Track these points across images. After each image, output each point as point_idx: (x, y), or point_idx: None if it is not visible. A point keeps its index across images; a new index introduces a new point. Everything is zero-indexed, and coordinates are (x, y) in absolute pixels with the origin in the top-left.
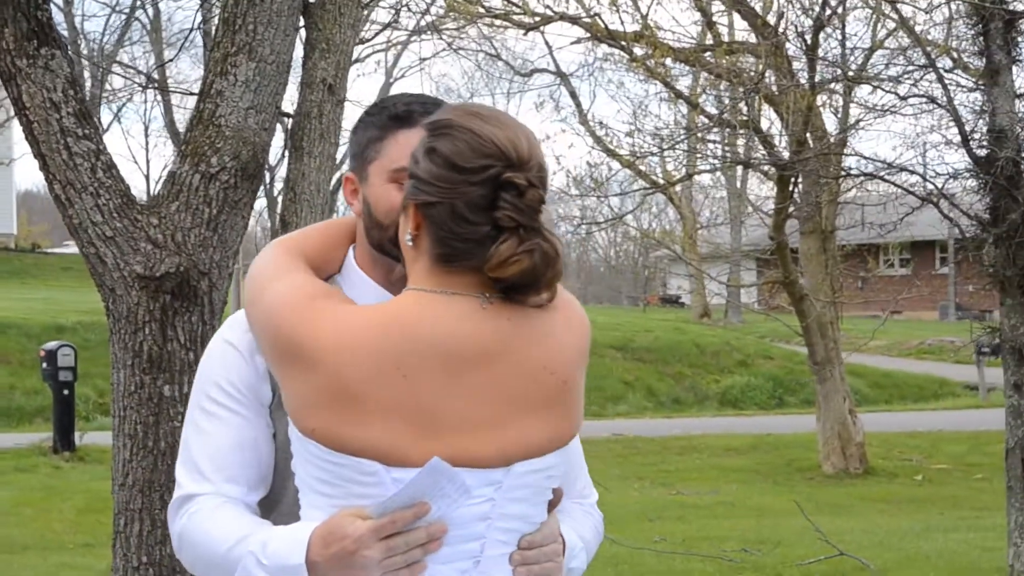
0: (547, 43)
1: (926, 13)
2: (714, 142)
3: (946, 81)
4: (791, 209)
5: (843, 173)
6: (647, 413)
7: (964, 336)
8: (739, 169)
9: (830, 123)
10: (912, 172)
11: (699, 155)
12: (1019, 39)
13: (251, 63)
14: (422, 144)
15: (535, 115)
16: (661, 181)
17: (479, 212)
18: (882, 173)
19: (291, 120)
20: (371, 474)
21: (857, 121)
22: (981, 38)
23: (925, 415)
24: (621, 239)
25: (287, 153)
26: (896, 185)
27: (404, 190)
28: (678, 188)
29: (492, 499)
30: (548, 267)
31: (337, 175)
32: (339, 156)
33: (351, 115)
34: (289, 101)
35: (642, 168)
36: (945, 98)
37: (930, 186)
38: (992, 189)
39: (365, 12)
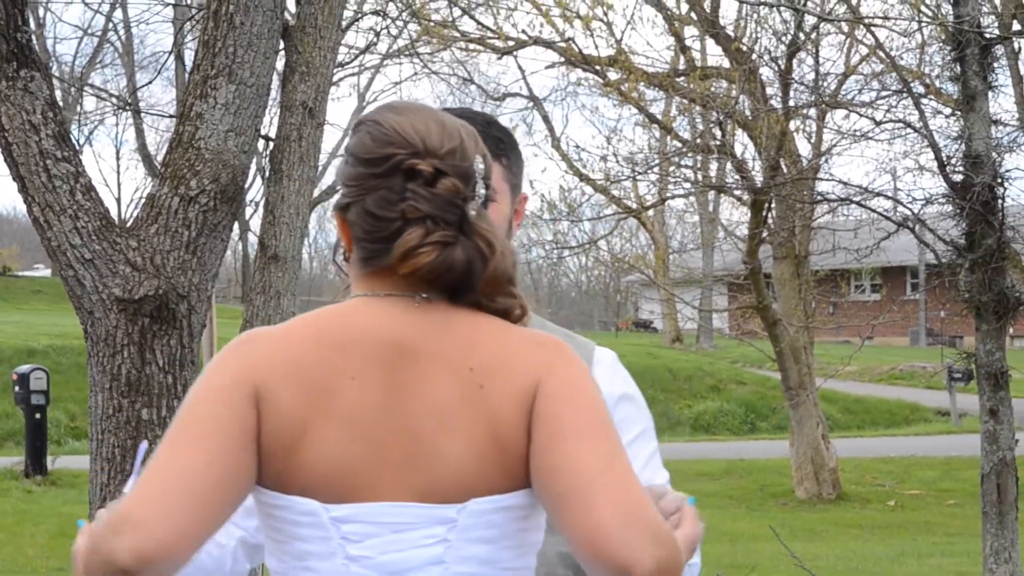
0: (520, 67)
1: (903, 36)
2: (687, 167)
3: (922, 106)
4: (764, 234)
5: (818, 198)
6: None
7: (936, 362)
8: (711, 194)
9: (804, 148)
10: (888, 198)
11: (672, 180)
12: (994, 64)
13: (231, 86)
14: None
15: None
16: (634, 206)
17: (388, 207)
18: (857, 198)
19: (270, 143)
20: (310, 514)
21: (832, 146)
22: (957, 64)
23: (897, 440)
24: (592, 264)
25: (267, 176)
26: (871, 210)
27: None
28: (651, 213)
29: (446, 540)
30: (475, 263)
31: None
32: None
33: (328, 138)
34: (266, 124)
35: (616, 193)
36: (921, 123)
37: (905, 211)
38: (968, 215)
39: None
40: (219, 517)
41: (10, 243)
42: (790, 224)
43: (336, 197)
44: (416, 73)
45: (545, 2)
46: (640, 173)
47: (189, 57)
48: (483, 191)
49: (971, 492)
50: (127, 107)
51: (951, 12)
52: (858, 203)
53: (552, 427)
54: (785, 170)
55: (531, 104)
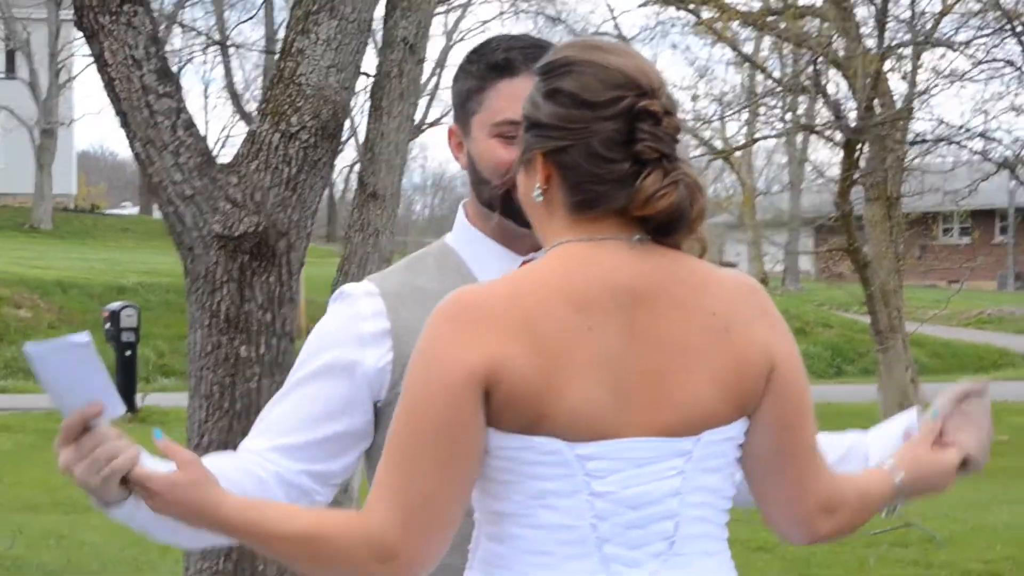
0: (609, 6)
1: None
2: (778, 107)
3: None
4: (857, 176)
5: (917, 139)
6: None
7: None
8: (801, 135)
9: (898, 88)
10: (989, 139)
11: (764, 121)
12: None
13: (332, 21)
14: (539, 88)
15: None
16: (721, 147)
17: (617, 148)
18: (957, 139)
19: (370, 79)
20: (554, 452)
21: (928, 87)
22: None
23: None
24: None
25: (367, 112)
26: (970, 151)
27: (521, 142)
28: (738, 154)
29: (683, 472)
30: (694, 200)
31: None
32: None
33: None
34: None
35: (706, 133)
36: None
37: (1006, 152)
38: None
39: None
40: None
41: (98, 181)
42: (883, 165)
43: (528, 138)
44: (503, 12)
45: None
46: (731, 113)
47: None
48: None
49: None
50: (217, 43)
51: None
52: (956, 143)
53: (788, 405)
54: (879, 111)
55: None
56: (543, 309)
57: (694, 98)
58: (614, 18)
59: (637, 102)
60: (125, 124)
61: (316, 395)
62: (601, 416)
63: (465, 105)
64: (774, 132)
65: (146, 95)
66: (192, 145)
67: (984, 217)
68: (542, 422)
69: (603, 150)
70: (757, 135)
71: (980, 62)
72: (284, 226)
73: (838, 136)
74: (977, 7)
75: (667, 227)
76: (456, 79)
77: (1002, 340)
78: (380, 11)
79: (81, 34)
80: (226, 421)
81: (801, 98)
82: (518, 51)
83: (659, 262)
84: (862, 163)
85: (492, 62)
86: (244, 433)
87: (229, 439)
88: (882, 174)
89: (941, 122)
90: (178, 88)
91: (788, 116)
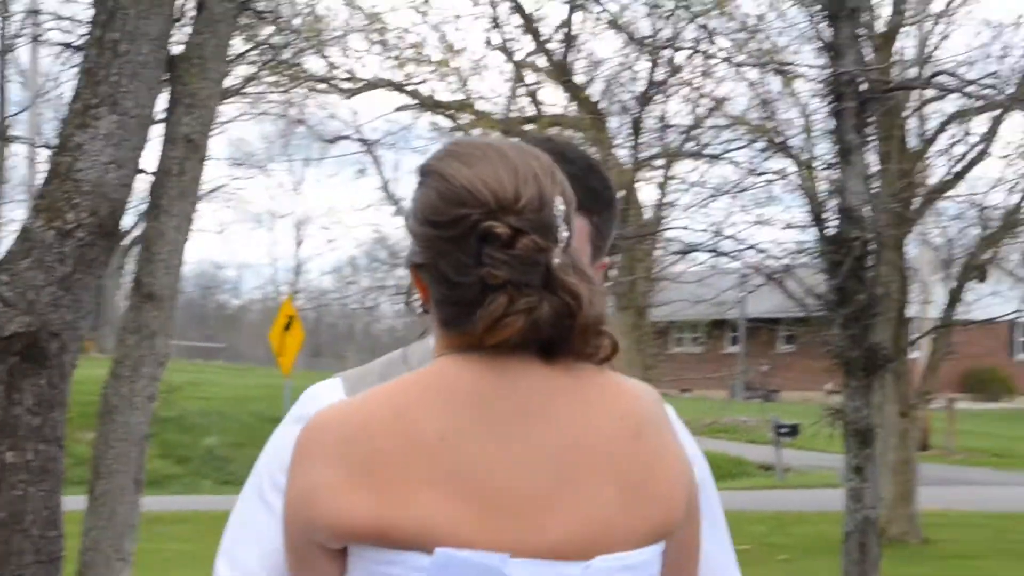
0: (353, 110)
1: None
2: None
3: (798, 159)
4: (609, 283)
5: (687, 248)
6: None
7: (755, 415)
8: None
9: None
10: (758, 250)
11: None
12: (870, 119)
13: (113, 116)
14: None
15: (349, 184)
16: None
17: (465, 271)
18: (727, 250)
19: (150, 177)
20: (420, 570)
21: (705, 198)
22: (833, 118)
23: (724, 495)
24: (406, 311)
25: (144, 211)
26: (743, 264)
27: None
28: None
29: None
30: (564, 319)
31: None
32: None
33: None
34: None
35: None
36: (797, 175)
37: (769, 264)
38: (839, 270)
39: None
40: None
41: None
42: (632, 276)
43: (408, 251)
44: (244, 113)
45: (397, 46)
46: None
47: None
48: (565, 234)
49: (801, 547)
50: None
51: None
52: (727, 255)
53: (690, 531)
54: (631, 222)
55: (364, 148)
56: (375, 426)
57: None
58: (358, 123)
59: (479, 222)
60: None
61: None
62: (461, 531)
63: None
64: None
65: None
66: None
67: (715, 327)
68: (389, 536)
69: (451, 273)
70: None
71: (757, 173)
72: (57, 327)
73: None
74: (726, 122)
75: (549, 348)
76: None
77: (736, 449)
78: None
79: None
80: None
81: None
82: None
83: (541, 373)
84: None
85: None
86: (8, 542)
87: None
88: (630, 284)
89: (703, 230)
90: None
91: None
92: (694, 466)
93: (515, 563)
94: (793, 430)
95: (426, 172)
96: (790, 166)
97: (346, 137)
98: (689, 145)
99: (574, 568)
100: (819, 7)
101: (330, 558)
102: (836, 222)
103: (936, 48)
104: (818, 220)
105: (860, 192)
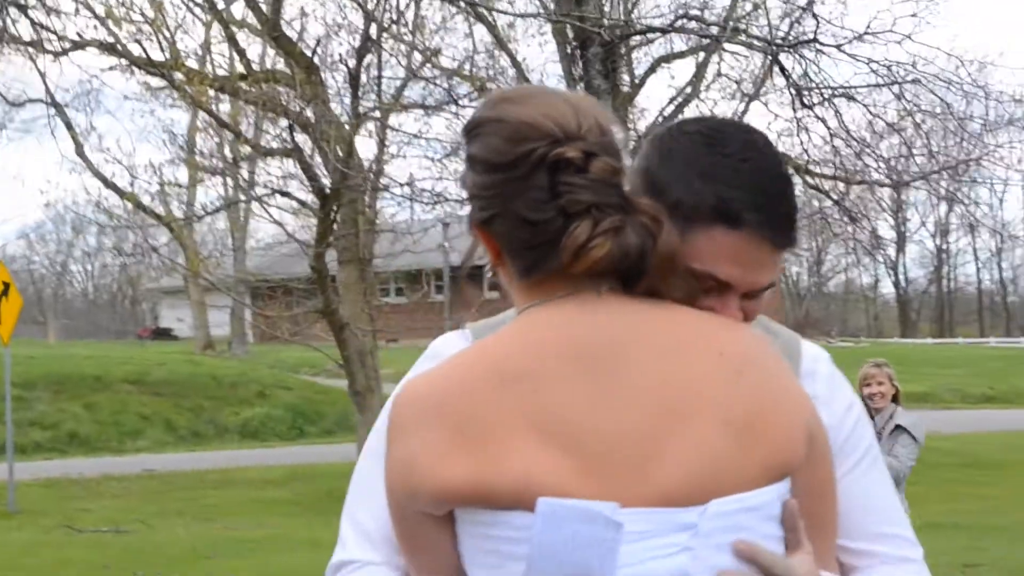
0: (41, 71)
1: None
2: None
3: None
4: (331, 238)
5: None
6: (168, 447)
7: None
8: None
9: (368, 150)
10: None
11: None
12: (616, 65)
13: None
14: (464, 156)
15: (42, 148)
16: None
17: (542, 207)
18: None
19: None
20: (523, 528)
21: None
22: (581, 63)
23: None
24: (99, 273)
25: None
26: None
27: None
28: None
29: (690, 548)
30: (647, 242)
31: None
32: None
33: None
34: None
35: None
36: None
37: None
38: None
39: None
40: None
41: None
42: (355, 228)
43: (470, 212)
44: None
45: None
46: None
47: None
48: (628, 161)
49: None
50: None
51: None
52: (422, 201)
53: (820, 469)
54: (352, 172)
55: (53, 111)
56: (467, 387)
57: (130, 168)
58: (45, 83)
59: (549, 151)
60: None
61: None
62: (562, 484)
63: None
64: (245, 198)
65: None
66: None
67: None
68: (489, 496)
69: (528, 212)
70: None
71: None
72: None
73: (312, 200)
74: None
75: (627, 279)
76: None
77: None
78: None
79: None
80: None
81: (274, 163)
82: (744, 192)
83: (632, 310)
84: (336, 226)
85: (717, 207)
86: None
87: None
88: (354, 236)
89: (404, 184)
90: None
91: (260, 181)
92: (831, 404)
93: (626, 513)
94: None
95: (478, 124)
96: None
97: (36, 100)
98: (407, 96)
99: (689, 514)
100: None
101: (438, 528)
102: None
103: None
104: None
105: None
